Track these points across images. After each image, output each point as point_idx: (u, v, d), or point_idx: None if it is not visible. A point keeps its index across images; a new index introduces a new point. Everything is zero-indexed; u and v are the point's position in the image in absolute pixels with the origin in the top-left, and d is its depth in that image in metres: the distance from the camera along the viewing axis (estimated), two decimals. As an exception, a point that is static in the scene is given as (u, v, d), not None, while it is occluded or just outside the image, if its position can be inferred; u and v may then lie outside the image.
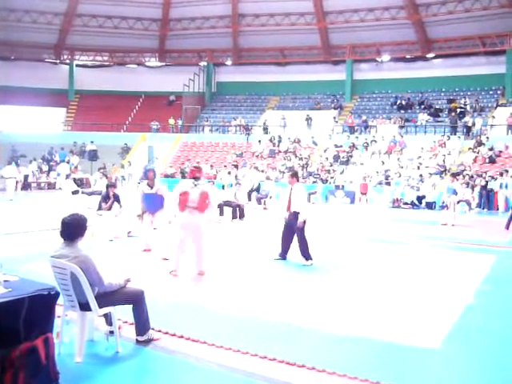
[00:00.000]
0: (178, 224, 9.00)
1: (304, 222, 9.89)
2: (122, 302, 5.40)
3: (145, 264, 9.58)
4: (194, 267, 8.93)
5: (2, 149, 32.98)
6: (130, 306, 5.50)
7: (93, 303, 5.01)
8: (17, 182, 25.31)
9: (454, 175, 19.99)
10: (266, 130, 36.33)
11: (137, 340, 5.54)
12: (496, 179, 22.87)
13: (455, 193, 17.74)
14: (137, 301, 5.43)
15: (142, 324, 5.51)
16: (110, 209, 12.39)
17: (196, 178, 9.04)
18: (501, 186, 22.31)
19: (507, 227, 15.72)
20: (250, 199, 22.05)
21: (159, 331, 5.84)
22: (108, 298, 5.21)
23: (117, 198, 12.70)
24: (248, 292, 7.87)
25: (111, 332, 5.47)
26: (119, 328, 5.59)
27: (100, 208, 12.59)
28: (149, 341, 5.54)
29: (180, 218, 8.89)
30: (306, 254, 10.00)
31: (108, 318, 5.49)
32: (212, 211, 9.46)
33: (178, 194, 8.85)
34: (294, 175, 10.41)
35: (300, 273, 9.28)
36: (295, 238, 10.12)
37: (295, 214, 9.91)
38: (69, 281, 4.95)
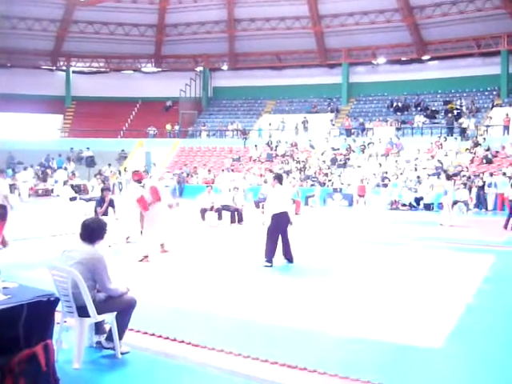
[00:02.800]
0: (148, 219, 10.69)
1: (271, 223, 10.01)
2: (117, 309, 5.32)
3: (144, 270, 9.56)
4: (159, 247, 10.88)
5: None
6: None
7: (91, 309, 4.99)
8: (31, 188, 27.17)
9: (448, 176, 20.10)
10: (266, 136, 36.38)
11: (99, 342, 5.41)
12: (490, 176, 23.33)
13: (446, 193, 17.90)
14: (127, 309, 5.34)
15: (119, 332, 5.26)
16: (104, 213, 12.23)
17: (139, 181, 10.98)
18: (489, 185, 22.69)
19: (505, 226, 15.74)
20: (257, 206, 21.92)
21: (159, 336, 5.83)
22: (106, 304, 5.19)
23: (111, 203, 12.60)
24: (248, 296, 7.86)
25: (98, 342, 5.43)
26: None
27: (96, 213, 12.42)
28: (113, 349, 5.27)
29: (148, 215, 10.61)
30: (268, 256, 9.97)
31: (100, 327, 5.47)
32: (167, 198, 11.76)
33: (136, 200, 10.64)
34: (275, 178, 10.56)
35: (299, 275, 9.27)
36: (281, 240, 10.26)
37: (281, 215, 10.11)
38: (68, 286, 4.94)
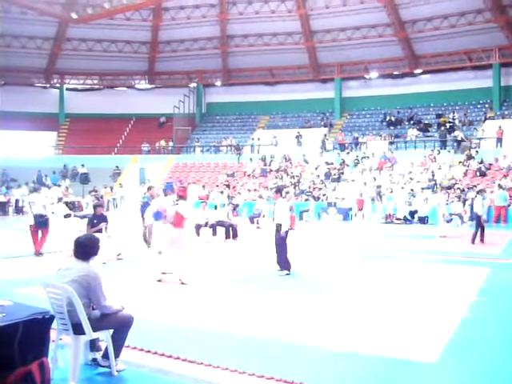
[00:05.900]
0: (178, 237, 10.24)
1: (286, 232, 10.55)
2: (113, 327, 5.28)
3: (139, 287, 9.53)
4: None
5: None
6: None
7: (86, 326, 4.96)
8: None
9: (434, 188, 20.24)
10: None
11: (95, 359, 5.38)
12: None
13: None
14: (124, 326, 5.29)
15: (116, 349, 5.24)
16: (99, 230, 12.05)
17: (182, 197, 10.86)
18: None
19: (473, 241, 15.56)
20: (252, 222, 21.92)
21: (155, 353, 5.80)
22: (101, 321, 5.16)
23: (104, 219, 12.54)
24: (243, 311, 7.83)
25: (94, 359, 5.40)
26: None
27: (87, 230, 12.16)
28: (109, 367, 5.24)
29: (179, 233, 10.23)
30: (283, 264, 10.59)
31: (94, 344, 5.43)
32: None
33: (174, 213, 10.13)
34: (278, 191, 11.37)
35: (294, 290, 9.24)
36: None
37: (277, 226, 10.66)
38: (63, 303, 4.91)
